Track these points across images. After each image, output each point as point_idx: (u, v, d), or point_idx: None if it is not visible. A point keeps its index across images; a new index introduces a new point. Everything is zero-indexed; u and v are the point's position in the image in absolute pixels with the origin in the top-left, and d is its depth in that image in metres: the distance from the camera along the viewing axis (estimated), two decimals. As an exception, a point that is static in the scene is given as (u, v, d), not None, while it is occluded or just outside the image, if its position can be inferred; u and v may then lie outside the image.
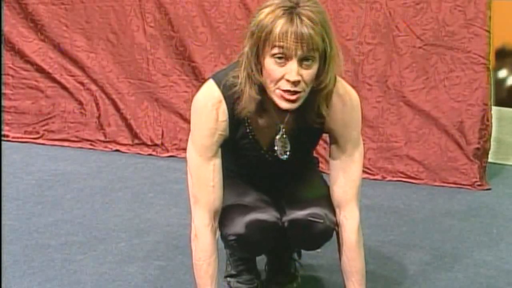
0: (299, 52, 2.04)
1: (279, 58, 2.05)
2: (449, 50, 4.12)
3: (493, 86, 4.39)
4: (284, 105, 2.10)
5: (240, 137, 2.27)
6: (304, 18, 2.03)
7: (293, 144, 2.29)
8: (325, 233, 2.33)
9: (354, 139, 2.28)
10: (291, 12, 2.04)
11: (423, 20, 4.14)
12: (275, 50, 2.05)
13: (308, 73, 2.07)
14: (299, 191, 2.42)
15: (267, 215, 2.33)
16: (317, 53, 2.06)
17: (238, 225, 2.30)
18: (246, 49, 2.12)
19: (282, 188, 2.45)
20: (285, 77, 2.06)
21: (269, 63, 2.07)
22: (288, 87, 2.07)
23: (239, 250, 2.44)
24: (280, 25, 2.03)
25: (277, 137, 2.27)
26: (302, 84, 2.07)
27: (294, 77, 2.05)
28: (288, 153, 2.29)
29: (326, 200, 2.35)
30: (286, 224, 2.35)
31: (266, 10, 2.07)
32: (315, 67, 2.08)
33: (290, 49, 2.03)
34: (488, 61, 4.08)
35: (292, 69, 2.05)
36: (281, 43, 2.03)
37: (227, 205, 2.32)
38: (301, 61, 2.06)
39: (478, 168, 4.07)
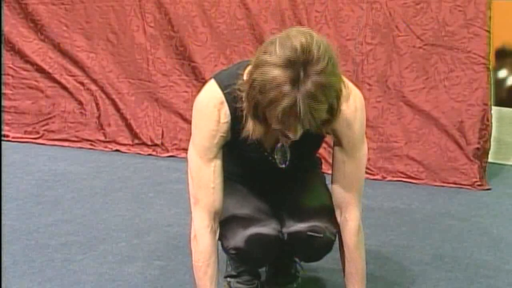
0: (301, 132, 1.98)
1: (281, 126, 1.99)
2: (449, 50, 4.12)
3: (493, 86, 4.39)
4: (287, 143, 2.14)
5: (243, 138, 2.25)
6: (311, 102, 1.89)
7: (296, 150, 2.27)
8: (325, 247, 2.33)
9: (358, 140, 2.25)
10: (294, 90, 1.88)
11: (423, 20, 4.14)
12: (277, 126, 1.97)
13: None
14: (300, 199, 2.40)
15: (268, 228, 2.31)
16: (319, 123, 1.98)
17: (239, 239, 2.29)
18: (246, 89, 1.98)
19: (283, 193, 2.43)
20: (288, 135, 2.01)
21: (270, 126, 2.00)
22: (290, 139, 2.04)
23: (239, 262, 2.44)
24: (282, 108, 1.90)
25: (278, 145, 2.26)
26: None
27: (297, 138, 2.01)
28: (287, 162, 2.27)
29: (327, 210, 2.33)
30: (286, 236, 2.33)
31: (271, 74, 1.90)
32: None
33: (292, 130, 1.97)
34: (488, 61, 4.09)
35: (295, 136, 2.00)
36: (283, 122, 1.94)
37: (227, 215, 2.31)
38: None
39: (478, 168, 4.07)
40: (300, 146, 2.27)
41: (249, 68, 2.00)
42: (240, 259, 2.34)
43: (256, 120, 2.03)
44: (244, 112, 2.06)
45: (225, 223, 2.29)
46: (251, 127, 2.09)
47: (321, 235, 2.29)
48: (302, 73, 1.89)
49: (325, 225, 2.30)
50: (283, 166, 2.28)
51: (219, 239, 2.31)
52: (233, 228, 2.30)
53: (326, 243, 2.31)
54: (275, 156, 2.27)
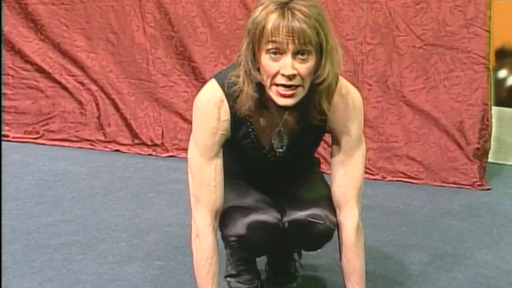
0: (292, 46, 2.05)
1: (274, 53, 2.07)
2: (449, 50, 4.12)
3: (493, 86, 4.39)
4: (281, 101, 2.10)
5: (242, 136, 2.27)
6: (296, 12, 2.04)
7: (294, 143, 2.29)
8: (325, 234, 2.33)
9: (356, 139, 2.28)
10: (283, 7, 2.05)
11: (423, 20, 4.14)
12: (269, 46, 2.06)
13: (304, 67, 2.07)
14: (300, 192, 2.42)
15: (268, 216, 2.33)
16: (311, 47, 2.07)
17: (239, 226, 2.30)
18: (244, 47, 2.13)
19: (283, 188, 2.45)
20: (280, 71, 2.07)
21: (265, 59, 2.08)
22: (283, 81, 2.07)
23: (240, 251, 2.44)
24: (272, 20, 2.05)
25: (276, 130, 2.27)
26: (298, 78, 2.08)
27: (288, 71, 2.06)
28: (284, 147, 2.28)
29: (327, 200, 2.35)
30: (286, 224, 2.35)
31: (260, 7, 2.09)
32: (311, 61, 2.08)
33: (283, 43, 2.05)
34: (488, 61, 4.09)
35: (286, 63, 2.06)
36: (274, 38, 2.05)
37: (228, 205, 2.32)
38: (296, 55, 2.06)
39: (478, 168, 4.07)
40: (300, 136, 2.29)
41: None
42: (240, 247, 2.34)
43: (251, 79, 2.12)
44: (238, 87, 2.15)
45: (225, 213, 2.31)
46: (244, 94, 2.14)
47: (322, 221, 2.30)
48: (291, 1, 2.06)
49: (325, 213, 2.32)
50: (280, 150, 2.29)
51: (220, 228, 2.32)
52: (234, 216, 2.32)
53: (326, 230, 2.32)
54: (273, 141, 2.28)
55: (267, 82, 2.10)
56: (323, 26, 2.08)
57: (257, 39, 2.08)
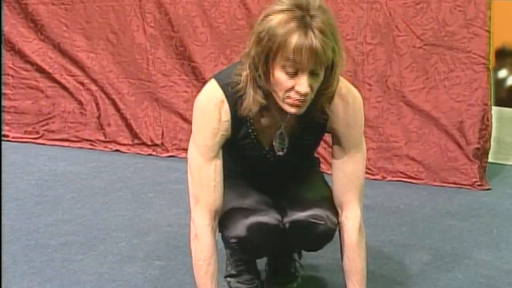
0: (311, 66, 2.04)
1: (291, 71, 2.05)
2: (449, 50, 4.12)
3: (493, 86, 4.39)
4: (292, 110, 2.11)
5: (242, 137, 2.27)
6: (317, 32, 2.02)
7: (294, 143, 2.29)
8: (326, 235, 2.33)
9: (356, 139, 2.28)
10: (304, 24, 2.02)
11: (423, 20, 4.14)
12: (288, 63, 2.04)
13: (316, 82, 2.08)
14: (301, 192, 2.42)
15: (269, 217, 2.33)
16: (326, 64, 2.07)
17: (240, 228, 2.30)
18: (252, 53, 2.09)
19: (284, 189, 2.45)
20: (295, 88, 2.06)
21: (279, 74, 2.07)
22: (297, 97, 2.07)
23: (240, 252, 2.44)
24: (295, 39, 2.01)
25: (277, 132, 2.27)
26: (310, 93, 2.08)
27: (305, 89, 2.05)
28: (285, 150, 2.28)
29: (328, 201, 2.35)
30: (287, 225, 2.35)
31: (277, 18, 2.04)
32: (322, 75, 2.09)
33: (303, 64, 2.03)
34: (488, 61, 4.09)
35: (303, 82, 2.05)
36: (295, 58, 2.03)
37: (228, 207, 2.32)
38: (311, 72, 2.06)
39: (478, 168, 4.07)
40: (301, 136, 2.29)
41: (252, 30, 2.11)
42: (241, 249, 2.34)
43: (258, 85, 2.11)
44: (241, 86, 2.14)
45: (225, 214, 2.31)
46: (251, 98, 2.14)
47: (323, 222, 2.30)
48: (307, 13, 2.03)
49: (326, 214, 2.32)
50: (281, 153, 2.28)
51: (219, 230, 2.32)
52: (234, 218, 2.32)
53: (327, 231, 2.32)
54: (274, 144, 2.28)
55: (278, 94, 2.09)
56: (337, 41, 2.08)
57: (273, 53, 2.05)
